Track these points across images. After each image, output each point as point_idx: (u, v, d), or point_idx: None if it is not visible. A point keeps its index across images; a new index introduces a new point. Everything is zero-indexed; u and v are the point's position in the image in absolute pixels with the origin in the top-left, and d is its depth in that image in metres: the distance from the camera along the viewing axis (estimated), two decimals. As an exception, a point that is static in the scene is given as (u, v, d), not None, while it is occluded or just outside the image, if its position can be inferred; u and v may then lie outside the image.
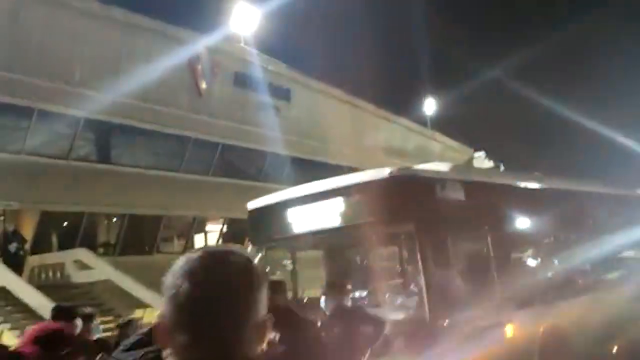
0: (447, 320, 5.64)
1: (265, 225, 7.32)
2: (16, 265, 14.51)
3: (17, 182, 16.10)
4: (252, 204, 7.47)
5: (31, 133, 16.95)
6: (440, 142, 34.05)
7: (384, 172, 6.07)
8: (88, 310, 5.96)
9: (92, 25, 17.91)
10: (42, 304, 12.61)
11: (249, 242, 7.41)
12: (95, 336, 5.70)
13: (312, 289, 7.43)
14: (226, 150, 22.20)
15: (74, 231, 18.40)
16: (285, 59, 25.03)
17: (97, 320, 6.26)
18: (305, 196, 6.80)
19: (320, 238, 6.87)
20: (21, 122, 16.85)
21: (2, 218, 17.16)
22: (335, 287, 5.59)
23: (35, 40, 16.78)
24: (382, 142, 27.95)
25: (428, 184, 6.05)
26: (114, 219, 20.05)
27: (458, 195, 6.17)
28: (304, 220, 6.78)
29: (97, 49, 18.17)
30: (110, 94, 17.30)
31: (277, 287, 5.12)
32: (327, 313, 5.33)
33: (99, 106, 17.43)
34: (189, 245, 19.60)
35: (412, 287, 6.43)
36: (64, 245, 17.67)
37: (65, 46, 17.53)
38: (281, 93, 24.63)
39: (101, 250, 19.22)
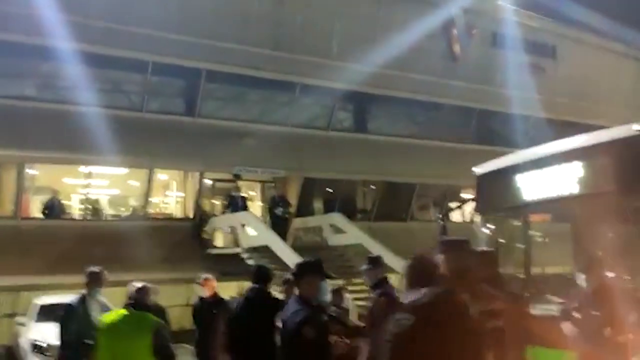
0: None
1: (493, 192, 6.63)
2: (281, 227, 15.90)
3: (283, 151, 17.64)
4: (480, 169, 6.82)
5: (294, 106, 18.33)
6: None
7: (631, 128, 4.92)
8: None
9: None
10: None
11: (476, 211, 6.81)
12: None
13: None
14: (483, 115, 21.21)
15: (333, 197, 19.54)
16: (550, 13, 22.71)
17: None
18: (538, 160, 5.92)
19: (555, 207, 5.95)
20: (286, 96, 18.31)
21: (273, 184, 19.02)
22: (594, 263, 5.03)
23: (297, 19, 17.96)
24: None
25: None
26: (371, 186, 20.70)
27: None
28: (535, 186, 5.94)
29: (354, 22, 18.72)
30: (366, 65, 17.73)
31: (486, 259, 4.72)
32: (588, 290, 4.79)
33: (356, 77, 18.01)
34: (442, 214, 19.31)
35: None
36: (324, 210, 18.91)
37: (325, 22, 18.42)
38: (546, 51, 22.58)
39: (359, 215, 20.08)
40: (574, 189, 5.49)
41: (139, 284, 4.91)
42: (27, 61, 15.42)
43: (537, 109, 20.26)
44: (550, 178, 5.79)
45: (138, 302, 4.75)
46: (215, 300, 7.39)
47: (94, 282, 5.60)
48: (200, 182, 17.46)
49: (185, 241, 16.55)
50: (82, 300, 5.57)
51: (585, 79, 22.59)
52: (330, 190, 19.88)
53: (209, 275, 7.79)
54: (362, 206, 20.80)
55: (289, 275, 6.82)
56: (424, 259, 3.60)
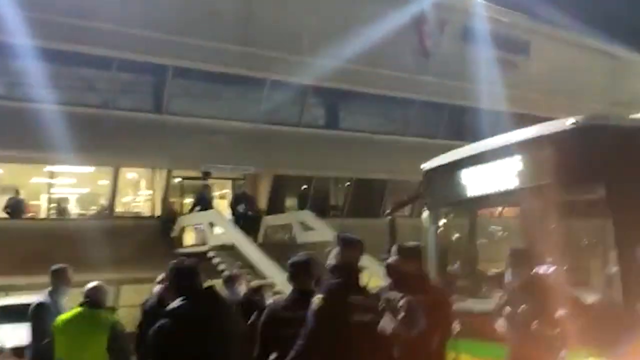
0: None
1: (438, 187, 6.58)
2: (246, 224, 15.74)
3: (253, 148, 17.48)
4: (427, 164, 6.76)
5: (265, 102, 18.17)
6: None
7: (567, 121, 4.86)
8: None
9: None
10: (262, 261, 13.58)
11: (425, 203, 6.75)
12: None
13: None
14: (455, 111, 21.21)
15: (305, 194, 19.45)
16: (523, 9, 22.78)
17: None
18: (480, 154, 5.87)
19: (498, 202, 5.91)
20: (256, 93, 18.12)
21: (243, 182, 18.86)
22: (523, 257, 4.92)
23: (267, 14, 17.79)
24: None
25: (625, 135, 4.68)
26: (346, 184, 20.63)
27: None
28: (477, 181, 5.88)
29: (325, 18, 18.61)
30: (337, 61, 17.61)
31: (408, 253, 4.70)
32: (514, 285, 4.78)
33: (327, 73, 17.91)
34: (415, 210, 19.27)
35: (609, 266, 5.13)
36: (295, 207, 18.80)
37: (295, 17, 18.28)
38: (519, 47, 22.64)
39: (331, 212, 20.00)
40: (514, 182, 5.44)
41: (94, 283, 4.88)
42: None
43: (510, 104, 20.30)
44: (491, 172, 5.74)
45: (93, 301, 4.72)
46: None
47: (60, 279, 5.46)
48: (168, 180, 17.27)
49: (153, 240, 16.35)
50: (51, 297, 5.44)
51: (559, 74, 22.70)
52: (303, 187, 19.78)
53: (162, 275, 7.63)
54: (334, 203, 20.72)
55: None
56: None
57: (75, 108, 15.33)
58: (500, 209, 7.24)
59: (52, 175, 16.51)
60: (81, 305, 4.78)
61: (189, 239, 17.18)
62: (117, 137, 15.55)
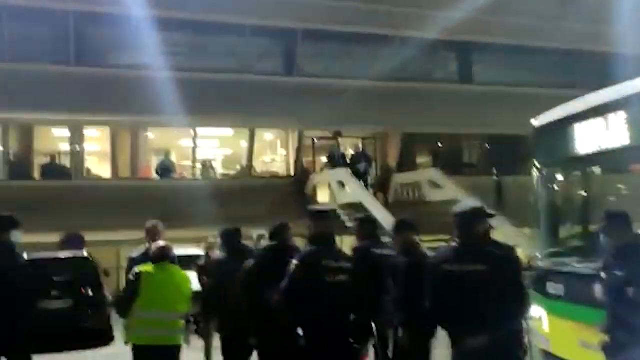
0: None
1: (551, 144, 6.27)
2: (364, 183, 15.96)
3: (383, 106, 17.50)
4: (537, 120, 6.46)
5: (394, 59, 17.99)
6: None
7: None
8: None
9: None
10: (387, 219, 13.75)
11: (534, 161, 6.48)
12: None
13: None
14: (597, 59, 19.48)
15: (436, 152, 19.19)
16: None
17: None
18: (599, 107, 5.49)
19: (621, 160, 5.50)
20: (385, 50, 18.00)
21: (373, 140, 19.05)
22: (620, 220, 4.57)
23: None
24: None
25: None
26: (476, 140, 20.02)
27: None
28: (594, 137, 5.52)
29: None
30: (467, 12, 16.94)
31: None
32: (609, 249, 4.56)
33: (457, 26, 17.35)
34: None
35: None
36: (426, 166, 18.65)
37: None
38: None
39: (465, 170, 19.59)
40: (624, 140, 5.06)
41: (162, 243, 5.32)
42: (139, 33, 16.45)
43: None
44: (612, 127, 5.35)
45: (168, 258, 5.18)
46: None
47: (153, 235, 6.03)
48: (300, 141, 17.90)
49: (288, 198, 17.17)
50: (145, 253, 6.03)
51: None
52: (434, 145, 19.51)
53: (264, 232, 8.15)
54: (468, 160, 20.22)
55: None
56: None
57: (216, 75, 16.42)
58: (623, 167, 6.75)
59: (197, 138, 17.83)
60: (155, 262, 5.17)
61: (322, 196, 17.82)
62: (252, 100, 16.39)
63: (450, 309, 3.97)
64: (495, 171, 6.97)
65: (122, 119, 15.88)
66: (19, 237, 5.41)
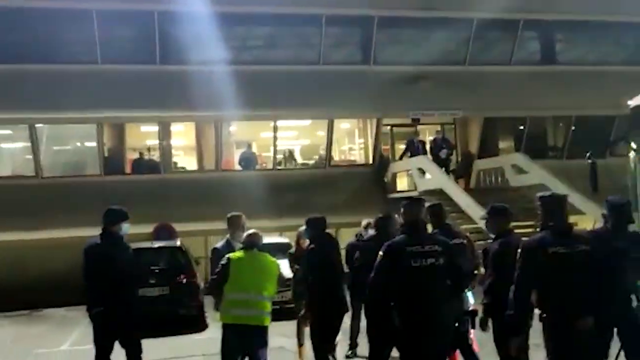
0: None
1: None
2: (445, 169, 15.73)
3: (461, 91, 17.20)
4: (634, 100, 6.22)
5: (472, 42, 17.63)
6: None
7: None
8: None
9: None
10: (470, 205, 13.57)
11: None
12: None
13: None
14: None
15: (519, 135, 18.63)
16: None
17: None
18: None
19: None
20: (462, 33, 17.54)
21: (453, 126, 18.74)
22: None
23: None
24: None
25: None
26: (561, 123, 19.28)
27: None
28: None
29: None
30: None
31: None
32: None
33: (537, 3, 16.86)
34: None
35: None
36: (508, 150, 18.15)
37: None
38: None
39: (549, 153, 18.94)
40: None
41: (252, 230, 5.58)
42: (218, 29, 16.87)
43: None
44: None
45: (254, 244, 5.45)
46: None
47: (234, 226, 6.27)
48: (378, 129, 17.87)
49: (366, 186, 17.24)
50: (228, 243, 6.32)
51: None
52: (518, 128, 18.94)
53: (371, 220, 8.25)
54: (552, 144, 19.51)
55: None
56: None
57: (293, 67, 16.68)
58: None
59: (277, 129, 18.14)
60: (244, 249, 5.47)
61: (401, 184, 17.77)
62: (329, 90, 16.52)
63: (556, 290, 4.09)
64: (588, 155, 6.70)
65: (206, 114, 16.40)
66: (127, 228, 5.83)
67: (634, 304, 4.34)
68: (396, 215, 5.48)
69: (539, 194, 4.57)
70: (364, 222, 8.07)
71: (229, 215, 6.53)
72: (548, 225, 4.31)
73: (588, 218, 13.25)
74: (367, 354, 7.73)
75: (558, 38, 19.06)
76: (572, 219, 13.70)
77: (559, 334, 4.02)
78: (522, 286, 4.17)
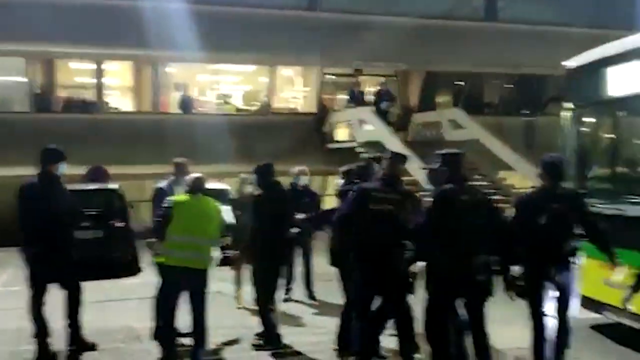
0: None
1: (583, 86, 6.25)
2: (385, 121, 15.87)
3: (405, 44, 17.17)
4: (570, 62, 6.42)
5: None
6: None
7: None
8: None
9: None
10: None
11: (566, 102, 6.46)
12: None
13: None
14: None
15: (458, 91, 18.95)
16: None
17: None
18: (625, 52, 5.46)
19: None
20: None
21: (395, 79, 18.83)
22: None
23: None
24: None
25: None
26: (499, 80, 19.72)
27: None
28: (620, 81, 5.53)
29: None
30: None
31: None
32: None
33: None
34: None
35: None
36: (446, 105, 18.46)
37: None
38: None
39: (486, 110, 19.40)
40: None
41: (196, 174, 5.50)
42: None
43: None
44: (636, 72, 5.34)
45: (198, 189, 5.40)
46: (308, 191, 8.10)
47: (182, 172, 6.23)
48: (321, 77, 17.75)
49: (306, 135, 17.19)
50: (170, 185, 6.27)
51: None
52: (456, 84, 19.24)
53: (304, 167, 8.34)
54: (489, 100, 19.99)
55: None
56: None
57: (237, 9, 16.18)
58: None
59: (217, 73, 17.73)
60: (189, 192, 5.39)
61: (341, 134, 17.82)
62: (272, 36, 16.17)
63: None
64: (525, 111, 6.90)
65: (143, 52, 15.78)
66: (64, 168, 5.63)
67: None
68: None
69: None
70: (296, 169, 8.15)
71: (176, 160, 6.49)
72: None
73: (519, 175, 13.83)
74: (301, 299, 8.02)
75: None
76: (503, 174, 14.18)
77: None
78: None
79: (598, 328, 6.33)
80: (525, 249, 4.63)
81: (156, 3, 14.95)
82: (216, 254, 5.43)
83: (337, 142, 16.97)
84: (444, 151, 4.97)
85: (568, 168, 6.24)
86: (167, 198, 5.51)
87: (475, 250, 4.44)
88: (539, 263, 4.64)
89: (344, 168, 6.26)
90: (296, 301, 8.07)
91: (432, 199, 4.61)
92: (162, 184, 6.36)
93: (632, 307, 4.74)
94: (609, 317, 5.83)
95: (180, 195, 5.48)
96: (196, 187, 5.40)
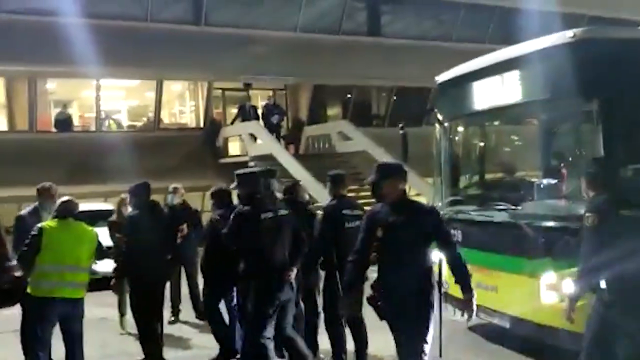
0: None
1: (450, 99, 6.65)
2: (276, 135, 16.06)
3: (293, 58, 17.43)
4: (440, 76, 6.80)
5: (304, 10, 17.90)
6: None
7: (567, 35, 4.78)
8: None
9: None
10: (299, 171, 13.99)
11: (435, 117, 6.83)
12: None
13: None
14: (503, 14, 20.30)
15: (346, 103, 19.46)
16: None
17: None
18: (485, 68, 5.86)
19: (504, 115, 5.95)
20: (295, 1, 17.81)
21: (284, 92, 19.01)
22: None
23: None
24: None
25: (624, 49, 4.58)
26: (385, 93, 20.45)
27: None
28: (483, 94, 5.92)
29: None
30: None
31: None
32: None
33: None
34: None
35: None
36: (336, 117, 18.90)
37: None
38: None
39: (374, 122, 20.04)
40: (514, 97, 5.45)
41: (66, 197, 5.22)
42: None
43: (563, 5, 19.19)
44: (495, 85, 5.74)
45: (69, 213, 5.13)
46: (184, 209, 7.85)
47: (44, 197, 5.92)
48: (210, 92, 17.58)
49: (197, 151, 16.95)
50: (35, 211, 5.94)
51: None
52: (347, 96, 19.73)
53: (178, 185, 8.17)
54: (376, 112, 20.67)
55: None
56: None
57: (118, 22, 15.66)
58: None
59: (100, 89, 17.03)
60: (58, 217, 5.11)
61: (233, 149, 17.73)
62: (158, 49, 15.82)
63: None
64: (401, 124, 7.20)
65: (17, 68, 14.90)
66: None
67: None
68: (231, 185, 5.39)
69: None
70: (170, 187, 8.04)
71: (38, 186, 6.12)
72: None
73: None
74: (191, 319, 7.85)
75: (384, 11, 19.99)
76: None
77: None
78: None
79: (473, 328, 6.69)
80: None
81: (32, 16, 14.20)
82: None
83: (230, 156, 16.86)
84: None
85: (438, 178, 6.61)
86: (37, 225, 5.17)
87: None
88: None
89: (213, 189, 6.20)
90: (184, 322, 7.89)
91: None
92: (24, 211, 6.02)
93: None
94: (482, 318, 6.18)
95: (48, 221, 5.17)
96: (66, 212, 5.11)
